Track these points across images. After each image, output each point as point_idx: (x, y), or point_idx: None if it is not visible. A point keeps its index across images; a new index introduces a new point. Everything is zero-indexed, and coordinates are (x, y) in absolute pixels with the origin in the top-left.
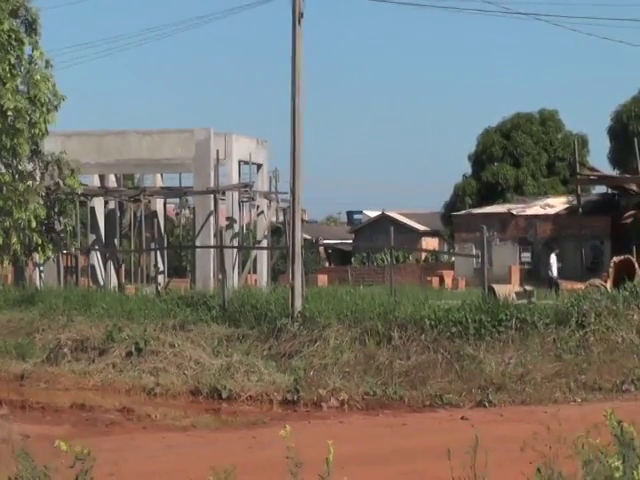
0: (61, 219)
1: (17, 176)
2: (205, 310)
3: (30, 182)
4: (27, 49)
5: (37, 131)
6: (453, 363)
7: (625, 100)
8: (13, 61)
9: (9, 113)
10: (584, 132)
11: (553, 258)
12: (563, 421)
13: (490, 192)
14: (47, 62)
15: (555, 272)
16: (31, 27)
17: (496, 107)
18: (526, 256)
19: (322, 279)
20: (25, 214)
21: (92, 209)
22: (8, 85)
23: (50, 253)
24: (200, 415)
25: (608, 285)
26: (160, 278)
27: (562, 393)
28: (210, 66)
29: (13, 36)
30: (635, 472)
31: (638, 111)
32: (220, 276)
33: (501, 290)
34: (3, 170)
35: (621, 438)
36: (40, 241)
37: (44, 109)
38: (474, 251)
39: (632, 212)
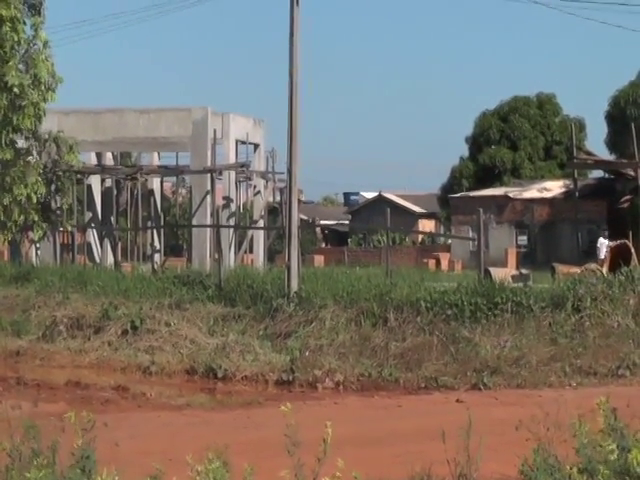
0: (58, 197)
1: (15, 153)
2: (201, 289)
3: (30, 158)
4: (27, 29)
5: (37, 110)
6: (448, 346)
7: (623, 85)
8: (15, 39)
9: (15, 90)
10: (582, 116)
11: (601, 241)
12: (558, 405)
13: (487, 175)
14: (45, 43)
15: (603, 255)
16: (35, 8)
17: (494, 90)
18: (522, 239)
19: (318, 260)
20: (25, 190)
21: (89, 187)
22: (11, 63)
23: (43, 231)
24: (195, 394)
25: (604, 269)
26: (156, 257)
27: (557, 377)
28: (208, 45)
29: (18, 15)
30: (630, 454)
31: (636, 96)
32: (216, 255)
33: (497, 273)
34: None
35: (614, 425)
36: (36, 218)
37: (43, 88)
38: (470, 234)
39: (628, 197)
